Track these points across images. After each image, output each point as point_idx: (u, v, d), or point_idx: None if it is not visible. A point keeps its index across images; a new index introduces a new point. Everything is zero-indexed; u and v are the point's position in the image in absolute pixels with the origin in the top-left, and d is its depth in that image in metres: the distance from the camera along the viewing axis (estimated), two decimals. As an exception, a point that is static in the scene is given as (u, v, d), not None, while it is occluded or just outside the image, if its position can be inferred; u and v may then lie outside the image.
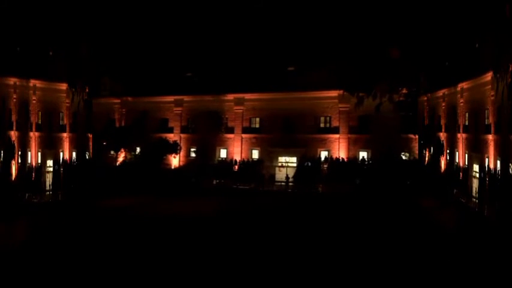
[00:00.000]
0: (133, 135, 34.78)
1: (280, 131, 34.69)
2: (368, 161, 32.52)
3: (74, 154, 30.00)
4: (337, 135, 34.04)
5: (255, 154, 35.67)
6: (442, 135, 29.70)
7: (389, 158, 30.58)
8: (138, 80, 36.84)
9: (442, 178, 27.95)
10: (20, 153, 26.31)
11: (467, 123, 25.93)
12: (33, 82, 27.78)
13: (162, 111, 37.27)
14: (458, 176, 26.00)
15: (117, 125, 37.31)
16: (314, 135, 34.31)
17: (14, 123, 26.53)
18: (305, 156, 33.07)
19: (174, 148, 34.86)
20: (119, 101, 37.65)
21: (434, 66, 29.29)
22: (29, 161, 27.09)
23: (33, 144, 27.58)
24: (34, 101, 27.95)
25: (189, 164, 35.29)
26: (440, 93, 29.85)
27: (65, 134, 29.85)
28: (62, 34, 27.36)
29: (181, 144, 36.08)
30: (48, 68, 28.47)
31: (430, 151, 30.25)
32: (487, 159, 22.46)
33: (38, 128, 28.22)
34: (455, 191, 25.80)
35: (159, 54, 34.88)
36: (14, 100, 26.59)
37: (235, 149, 35.69)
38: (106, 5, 29.11)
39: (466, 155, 25.91)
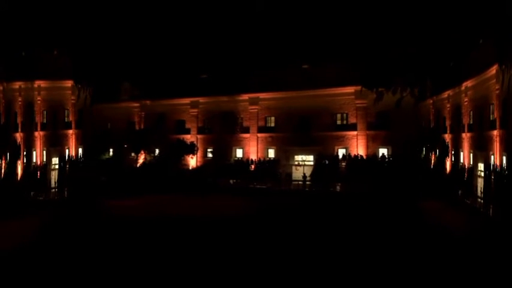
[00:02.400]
0: (152, 137, 35.68)
1: (296, 130, 34.39)
2: (388, 158, 31.43)
3: (80, 150, 30.25)
4: (354, 132, 33.23)
5: (271, 153, 35.53)
6: (447, 137, 29.07)
7: (410, 155, 29.49)
8: (155, 84, 37.86)
9: (446, 180, 26.88)
10: (25, 153, 26.87)
11: (471, 122, 25.37)
12: (37, 83, 28.37)
13: (179, 113, 38.01)
14: (463, 176, 25.17)
15: (137, 127, 38.46)
16: (331, 132, 33.70)
17: (20, 125, 27.49)
18: (322, 154, 32.52)
19: (191, 149, 35.43)
20: (138, 104, 38.80)
21: (439, 68, 28.47)
22: (34, 160, 27.58)
23: (38, 143, 28.18)
24: (39, 101, 28.65)
25: (206, 164, 35.73)
26: (445, 94, 29.33)
27: (70, 131, 30.14)
28: (68, 33, 27.96)
29: (198, 145, 36.62)
30: (53, 67, 28.70)
31: (435, 154, 29.32)
32: (492, 157, 21.66)
33: (43, 127, 28.69)
34: (460, 192, 24.75)
35: (175, 58, 35.64)
36: (20, 103, 27.65)
37: (251, 149, 35.74)
38: (122, 10, 30.02)
39: (471, 154, 25.20)
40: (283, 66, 34.47)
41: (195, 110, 37.64)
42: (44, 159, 28.66)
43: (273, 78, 35.10)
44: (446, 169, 28.30)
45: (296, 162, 34.45)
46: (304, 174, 32.45)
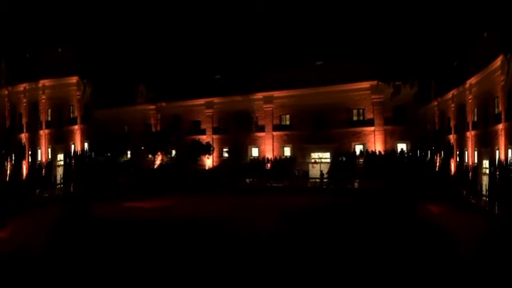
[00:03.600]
0: (169, 138, 36.09)
1: (312, 127, 34.12)
2: (408, 153, 30.76)
3: (86, 145, 29.82)
4: (371, 128, 32.71)
5: (287, 151, 35.37)
6: (452, 137, 28.77)
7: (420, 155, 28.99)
8: (170, 86, 38.34)
9: (451, 180, 26.15)
10: (30, 152, 26.96)
11: (476, 119, 25.06)
12: (42, 82, 28.21)
13: (194, 114, 38.33)
14: (467, 175, 24.52)
15: (153, 129, 38.99)
16: (347, 129, 33.28)
17: (24, 126, 27.50)
18: (339, 151, 32.13)
19: (207, 149, 35.60)
20: (153, 107, 39.36)
21: (444, 68, 28.04)
22: (39, 158, 27.69)
23: (43, 142, 28.16)
24: (43, 100, 28.54)
25: (222, 164, 35.86)
26: (450, 94, 29.05)
27: (76, 126, 29.82)
28: (82, 35, 27.62)
29: (214, 145, 36.77)
30: (57, 65, 28.43)
31: (440, 155, 28.77)
32: (497, 152, 21.23)
33: (48, 125, 28.60)
34: (464, 191, 23.94)
35: (189, 59, 35.99)
36: (24, 104, 27.87)
37: (266, 147, 35.67)
38: (135, 13, 30.42)
39: (475, 152, 24.87)
40: (296, 63, 34.29)
41: (210, 111, 37.87)
42: (49, 157, 28.41)
43: (287, 76, 34.97)
44: (451, 170, 27.90)
45: (312, 160, 34.16)
46: (321, 171, 32.12)
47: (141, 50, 33.46)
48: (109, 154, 35.15)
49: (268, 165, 34.06)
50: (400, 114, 32.10)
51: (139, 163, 35.17)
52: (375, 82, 31.79)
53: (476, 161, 24.88)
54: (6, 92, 30.20)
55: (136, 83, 37.40)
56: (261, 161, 34.83)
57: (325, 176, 31.46)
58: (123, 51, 31.78)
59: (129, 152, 37.53)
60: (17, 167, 26.26)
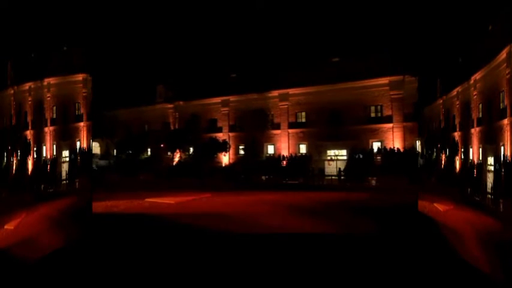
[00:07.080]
0: (187, 136, 36.97)
1: (328, 124, 33.73)
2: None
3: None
4: (390, 125, 31.93)
5: (303, 149, 35.22)
6: (457, 135, 28.11)
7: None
8: (187, 85, 39.22)
9: (456, 178, 25.33)
10: (35, 149, 27.29)
11: (480, 116, 24.41)
12: (47, 80, 28.49)
13: (211, 112, 38.92)
14: (472, 173, 23.79)
15: (172, 128, 40.05)
16: (364, 126, 32.67)
17: (30, 123, 27.87)
18: (356, 149, 31.64)
19: (223, 147, 36.17)
20: (172, 106, 40.37)
21: (448, 65, 27.03)
22: (44, 155, 28.00)
23: (48, 139, 28.36)
24: (48, 98, 28.77)
25: (238, 161, 36.28)
26: (454, 92, 28.44)
27: (81, 123, 29.59)
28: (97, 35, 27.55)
29: (230, 143, 37.21)
30: (62, 62, 28.56)
31: (445, 153, 27.73)
32: (502, 148, 20.46)
33: (53, 123, 28.84)
34: (469, 189, 23.19)
35: (205, 59, 36.63)
36: (29, 102, 28.36)
37: (282, 145, 35.70)
38: (154, 16, 31.14)
39: (480, 149, 24.15)
40: (312, 60, 34.05)
41: (226, 109, 38.35)
42: (54, 153, 28.80)
43: (303, 73, 34.80)
44: (456, 168, 27.06)
45: (328, 157, 33.85)
46: (339, 169, 31.77)
47: (159, 50, 34.35)
48: (130, 152, 36.62)
49: (284, 162, 34.09)
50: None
51: (159, 160, 36.31)
52: (393, 78, 31.00)
53: (481, 158, 24.19)
54: (12, 92, 30.99)
55: (154, 82, 38.47)
56: (276, 158, 34.91)
57: (342, 173, 31.08)
58: (140, 52, 32.68)
59: (149, 150, 38.84)
60: (23, 163, 26.91)
